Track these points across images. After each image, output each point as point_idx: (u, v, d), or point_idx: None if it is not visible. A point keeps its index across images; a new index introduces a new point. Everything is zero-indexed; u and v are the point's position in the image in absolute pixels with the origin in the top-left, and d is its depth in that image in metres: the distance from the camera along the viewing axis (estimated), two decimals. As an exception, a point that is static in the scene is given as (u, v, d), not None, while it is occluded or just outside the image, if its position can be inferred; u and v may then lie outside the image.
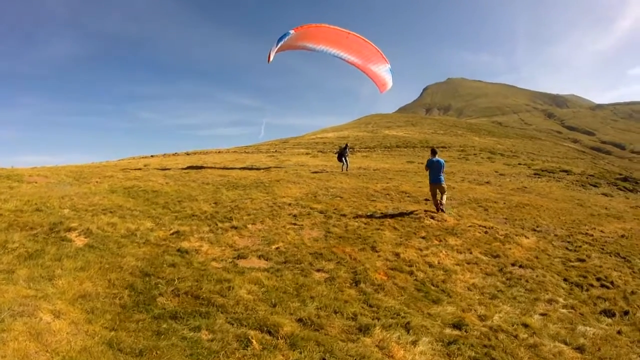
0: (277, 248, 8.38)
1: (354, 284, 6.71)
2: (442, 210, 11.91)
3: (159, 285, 5.79)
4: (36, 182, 12.83)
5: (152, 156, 33.42)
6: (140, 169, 19.42)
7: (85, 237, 7.84)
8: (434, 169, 12.32)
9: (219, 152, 37.21)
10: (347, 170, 22.16)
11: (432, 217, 11.31)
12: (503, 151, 45.53)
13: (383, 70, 20.97)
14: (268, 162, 26.45)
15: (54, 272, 5.85)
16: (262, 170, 20.91)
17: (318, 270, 7.22)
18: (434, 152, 12.91)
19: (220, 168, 21.41)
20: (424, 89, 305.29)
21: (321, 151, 38.76)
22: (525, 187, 19.68)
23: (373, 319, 5.47)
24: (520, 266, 8.32)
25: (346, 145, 23.68)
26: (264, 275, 6.62)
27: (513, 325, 5.85)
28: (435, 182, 12.28)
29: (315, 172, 20.70)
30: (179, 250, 7.73)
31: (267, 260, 7.63)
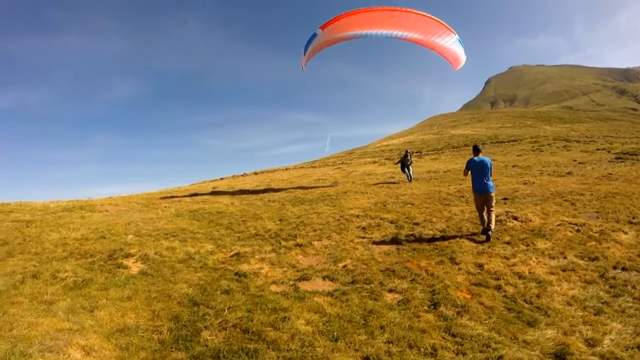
0: (344, 266, 7.48)
1: (432, 307, 5.58)
2: (488, 236, 8.76)
3: (207, 317, 5.11)
4: (107, 211, 13.08)
5: (221, 179, 34.20)
6: (208, 192, 19.54)
7: (142, 263, 7.51)
8: (477, 172, 9.42)
9: (286, 169, 37.38)
10: (412, 180, 19.11)
11: (515, 218, 9.90)
12: (578, 137, 41.59)
13: (451, 43, 17.41)
14: (335, 174, 25.78)
15: (97, 302, 5.44)
16: (328, 183, 20.25)
17: (390, 291, 6.20)
18: (476, 150, 9.89)
19: (287, 184, 21.09)
20: (486, 82, 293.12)
21: (388, 158, 37.63)
22: (611, 174, 17.22)
23: (457, 354, 4.36)
24: (624, 269, 6.82)
25: (407, 151, 20.45)
26: (326, 301, 5.71)
27: (628, 350, 4.47)
28: (480, 190, 9.36)
29: (383, 182, 19.62)
30: (236, 273, 7.09)
31: (332, 281, 6.74)
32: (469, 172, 9.68)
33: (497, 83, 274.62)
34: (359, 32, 16.80)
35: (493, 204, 9.24)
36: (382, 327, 4.94)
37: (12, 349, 4.00)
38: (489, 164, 9.41)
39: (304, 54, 17.05)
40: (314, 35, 16.37)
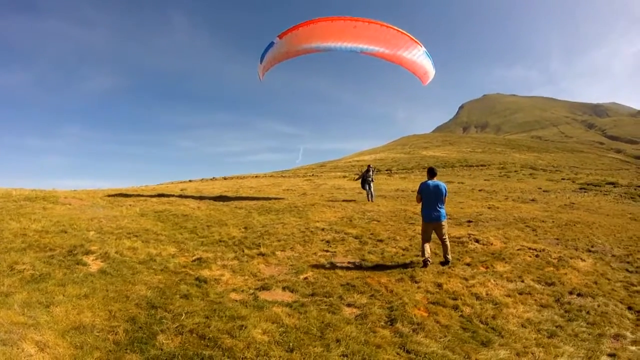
0: (305, 278, 7.58)
1: (389, 323, 5.71)
2: (447, 260, 8.63)
3: (164, 320, 5.13)
4: (70, 204, 12.79)
5: (190, 181, 33.85)
6: (175, 194, 19.31)
7: (102, 262, 7.42)
8: (430, 198, 8.58)
9: (256, 176, 37.28)
10: (372, 199, 18.13)
11: (477, 241, 10.24)
12: (545, 166, 43.40)
13: (418, 56, 16.33)
14: (304, 185, 25.95)
15: (54, 298, 5.37)
16: (297, 194, 20.33)
17: (348, 305, 6.31)
18: (431, 173, 8.89)
19: (255, 192, 21.06)
20: (460, 107, 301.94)
21: (358, 174, 38.17)
22: (573, 203, 18.07)
23: (410, 371, 4.52)
24: (579, 294, 7.14)
25: (369, 167, 19.05)
26: (284, 312, 5.79)
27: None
28: (430, 219, 8.56)
29: (349, 200, 19.85)
30: (197, 279, 7.10)
31: (292, 292, 6.83)
32: (421, 196, 8.84)
33: (470, 109, 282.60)
34: (321, 44, 16.02)
35: (445, 232, 8.68)
36: (338, 341, 5.01)
37: None
38: (444, 190, 8.64)
39: (260, 63, 16.33)
40: (271, 44, 15.75)
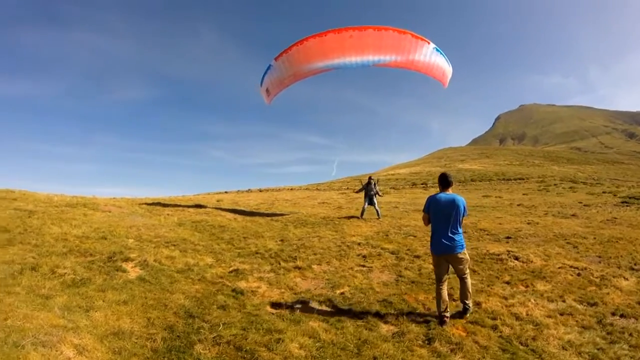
0: (341, 293, 7.40)
1: (426, 342, 5.46)
2: (467, 307, 6.49)
3: (201, 330, 5.06)
4: (110, 212, 13.14)
5: (225, 192, 34.34)
6: (212, 204, 19.58)
7: (140, 269, 7.51)
8: (441, 217, 6.22)
9: (291, 189, 37.48)
10: (380, 216, 16.16)
11: (517, 258, 9.75)
12: (585, 179, 41.49)
13: (429, 55, 14.40)
14: (339, 199, 25.77)
15: (93, 303, 5.42)
16: (332, 207, 20.22)
17: (386, 323, 6.11)
18: (445, 182, 6.39)
19: (290, 205, 21.08)
20: (496, 119, 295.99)
21: (393, 187, 37.66)
22: (615, 218, 17.07)
23: (448, 394, 4.28)
24: (622, 315, 6.65)
25: (370, 179, 16.63)
26: (321, 327, 5.63)
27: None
28: (440, 249, 6.26)
29: (387, 210, 19.58)
30: (234, 290, 7.07)
31: (328, 307, 6.68)
32: (428, 216, 6.44)
33: (507, 120, 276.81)
34: (323, 62, 14.43)
35: (466, 268, 6.42)
36: (375, 358, 4.85)
37: (5, 338, 3.99)
38: (462, 207, 6.22)
39: (261, 85, 15.56)
40: (269, 67, 14.85)
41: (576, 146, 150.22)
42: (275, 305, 6.61)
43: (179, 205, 17.19)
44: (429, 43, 14.17)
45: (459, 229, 6.24)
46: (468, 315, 6.33)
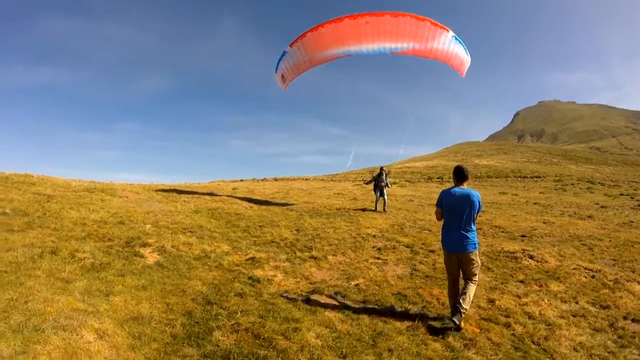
0: (356, 285, 7.40)
1: (440, 337, 5.47)
2: (455, 323, 5.67)
3: (219, 317, 5.11)
4: (127, 197, 13.30)
5: (241, 180, 34.55)
6: (227, 192, 19.72)
7: (158, 255, 7.58)
8: (454, 213, 5.90)
9: (306, 179, 37.52)
10: (386, 209, 15.92)
11: (531, 257, 9.64)
12: (603, 180, 40.63)
13: (449, 43, 13.94)
14: (355, 190, 25.74)
15: (113, 287, 5.48)
16: (347, 199, 20.20)
17: (400, 315, 6.11)
18: (460, 175, 6.01)
19: (305, 195, 21.11)
20: (515, 115, 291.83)
21: (409, 181, 37.43)
22: (632, 222, 16.76)
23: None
24: (634, 320, 6.60)
25: (382, 169, 16.40)
26: (337, 317, 5.64)
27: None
28: (451, 247, 5.97)
29: (399, 208, 19.54)
30: (250, 278, 7.11)
31: (343, 297, 6.69)
32: (441, 211, 6.18)
33: (525, 116, 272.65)
34: (339, 49, 14.18)
35: (475, 270, 5.98)
36: (390, 350, 4.88)
37: (25, 321, 4.03)
38: (477, 203, 5.84)
39: (275, 72, 15.46)
40: (284, 53, 14.70)
41: (595, 146, 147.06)
42: (290, 294, 6.65)
43: (195, 193, 17.33)
44: (448, 31, 13.72)
45: (472, 226, 5.88)
46: (456, 324, 5.68)
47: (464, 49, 14.33)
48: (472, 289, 5.90)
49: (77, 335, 4.00)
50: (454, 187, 6.00)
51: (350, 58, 14.84)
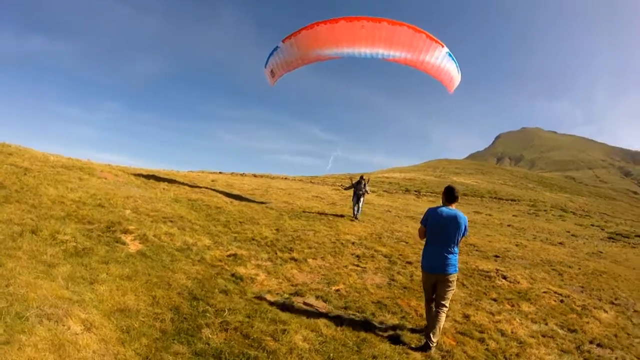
0: (337, 290, 7.50)
1: (419, 347, 5.65)
2: (427, 345, 5.58)
3: (207, 314, 5.04)
4: (106, 178, 12.97)
5: (220, 172, 34.09)
6: (207, 184, 19.47)
7: (140, 243, 7.41)
8: (439, 233, 5.75)
9: (285, 178, 37.32)
10: (358, 214, 15.95)
11: (504, 277, 10.06)
12: (575, 209, 42.21)
13: (441, 59, 14.02)
14: (333, 195, 25.82)
15: (97, 275, 5.30)
16: (326, 203, 20.27)
17: (381, 324, 6.27)
18: (450, 196, 5.87)
19: (284, 194, 21.06)
20: (497, 137, 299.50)
21: (387, 191, 37.73)
22: (601, 252, 17.63)
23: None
24: (599, 345, 7.04)
25: (362, 177, 16.42)
26: (322, 322, 5.70)
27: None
28: (432, 267, 5.79)
29: (378, 217, 19.73)
30: (233, 275, 7.07)
31: (325, 302, 6.76)
32: (425, 230, 5.96)
33: (507, 140, 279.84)
34: (331, 50, 14.14)
35: (449, 295, 5.79)
36: (374, 357, 5.00)
37: (7, 308, 3.82)
38: (462, 225, 5.72)
39: (265, 67, 15.32)
40: (276, 48, 14.56)
41: (571, 175, 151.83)
42: (273, 294, 6.65)
43: (175, 181, 17.02)
44: (442, 46, 13.75)
45: (455, 248, 5.73)
46: (433, 343, 5.59)
47: (456, 66, 14.44)
48: (442, 318, 5.73)
49: (63, 325, 3.84)
50: (442, 206, 5.84)
51: (344, 60, 14.94)
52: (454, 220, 5.61)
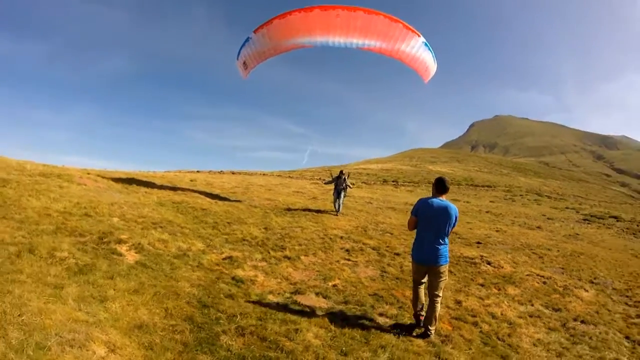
0: (334, 285, 7.75)
1: (420, 334, 6.01)
2: (426, 333, 5.87)
3: (221, 321, 5.13)
4: (86, 185, 12.69)
5: (198, 172, 33.67)
6: (188, 184, 19.29)
7: (136, 253, 7.35)
8: (430, 224, 5.79)
9: (263, 174, 37.16)
10: (339, 210, 15.73)
11: (489, 263, 10.59)
12: (550, 193, 43.86)
13: (417, 48, 13.87)
14: (313, 189, 26.00)
15: (106, 292, 5.25)
16: (307, 197, 20.42)
17: (381, 315, 6.59)
18: (441, 187, 5.86)
19: (265, 190, 21.11)
20: (471, 126, 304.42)
21: (365, 182, 38.19)
22: (577, 234, 18.57)
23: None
24: (582, 321, 7.65)
25: (341, 172, 16.32)
26: (328, 317, 5.96)
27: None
28: (423, 259, 5.89)
29: (360, 209, 20.02)
30: (233, 278, 7.16)
31: (325, 298, 7.01)
32: (416, 220, 5.94)
33: (480, 128, 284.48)
34: (304, 38, 13.92)
35: (442, 284, 5.88)
36: (382, 347, 5.26)
37: (27, 339, 3.70)
38: (453, 216, 5.75)
39: (237, 59, 15.00)
40: (247, 39, 14.23)
41: (544, 161, 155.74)
42: (275, 295, 6.82)
43: (154, 184, 16.81)
44: (419, 36, 13.73)
45: (445, 239, 5.80)
46: (431, 332, 5.86)
47: (432, 56, 14.48)
48: (438, 307, 5.87)
49: (87, 350, 3.80)
50: (433, 197, 5.85)
51: (314, 54, 14.87)
52: (444, 211, 5.67)
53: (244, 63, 14.93)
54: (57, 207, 9.18)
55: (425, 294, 6.13)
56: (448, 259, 5.89)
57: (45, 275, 5.40)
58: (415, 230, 5.98)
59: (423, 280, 6.03)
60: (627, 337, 7.22)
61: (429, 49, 14.23)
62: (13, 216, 7.88)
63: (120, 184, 14.41)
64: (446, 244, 5.81)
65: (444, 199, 5.79)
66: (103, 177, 15.11)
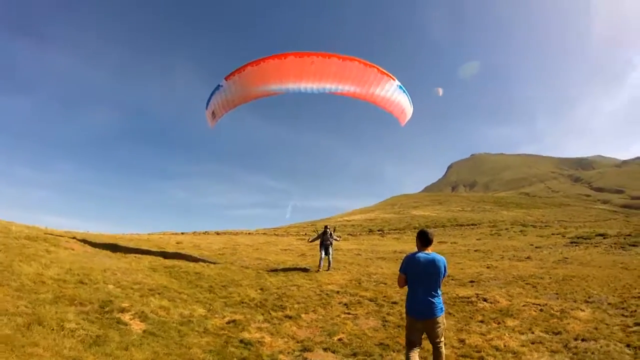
0: (339, 339, 7.79)
1: None
2: None
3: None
4: (73, 249, 12.48)
5: (182, 233, 33.23)
6: (176, 247, 19.08)
7: (141, 321, 7.27)
8: (420, 279, 5.69)
9: (249, 233, 36.82)
10: (330, 267, 15.58)
11: (485, 300, 10.77)
12: (534, 222, 44.60)
13: (392, 92, 14.00)
14: (300, 245, 25.95)
15: (125, 364, 5.27)
16: (296, 255, 20.41)
17: (392, 363, 6.63)
18: (424, 240, 5.82)
19: (253, 250, 21.00)
20: (449, 167, 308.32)
21: (351, 234, 38.22)
22: (566, 258, 18.95)
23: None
24: (583, 339, 7.81)
25: (326, 227, 16.06)
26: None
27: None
28: (419, 312, 5.68)
29: (351, 257, 20.06)
30: (241, 341, 7.14)
31: (333, 352, 7.08)
32: (405, 276, 5.81)
33: (459, 168, 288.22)
34: (277, 85, 13.67)
35: (441, 332, 5.74)
36: None
37: None
38: (442, 268, 5.69)
39: (206, 108, 14.71)
40: (218, 87, 13.94)
41: (524, 191, 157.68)
42: (285, 354, 6.83)
43: (142, 248, 16.61)
44: (394, 80, 13.82)
45: (438, 291, 5.69)
46: None
47: (408, 99, 14.54)
48: (443, 350, 5.76)
49: None
50: (418, 252, 5.77)
51: (290, 101, 14.44)
52: (432, 264, 5.59)
53: (213, 112, 14.68)
54: (50, 274, 9.03)
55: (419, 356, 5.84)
56: (444, 309, 5.77)
57: (61, 348, 5.33)
58: (407, 286, 5.84)
59: (418, 343, 5.72)
60: (627, 346, 7.42)
61: (404, 92, 14.38)
62: (9, 283, 7.74)
63: (108, 249, 14.20)
64: (439, 295, 5.69)
65: (430, 252, 5.72)
66: (89, 240, 14.91)
